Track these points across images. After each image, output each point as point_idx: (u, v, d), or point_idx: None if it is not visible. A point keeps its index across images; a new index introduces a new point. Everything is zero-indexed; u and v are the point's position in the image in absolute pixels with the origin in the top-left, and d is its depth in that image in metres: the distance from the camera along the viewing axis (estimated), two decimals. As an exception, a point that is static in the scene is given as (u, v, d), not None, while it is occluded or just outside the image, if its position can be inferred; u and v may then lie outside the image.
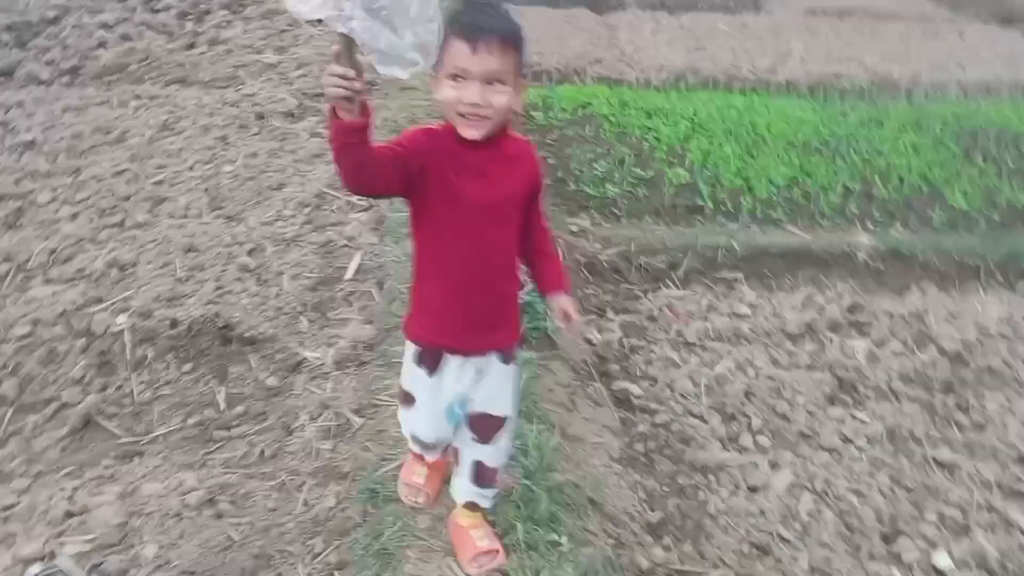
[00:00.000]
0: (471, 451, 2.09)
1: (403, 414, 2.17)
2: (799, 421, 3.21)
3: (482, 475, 2.11)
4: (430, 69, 1.65)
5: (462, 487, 2.14)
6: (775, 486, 2.88)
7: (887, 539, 2.71)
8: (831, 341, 3.70)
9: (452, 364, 1.98)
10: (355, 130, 1.61)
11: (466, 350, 1.96)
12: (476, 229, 1.85)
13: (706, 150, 5.11)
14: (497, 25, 1.71)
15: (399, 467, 2.41)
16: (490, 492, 2.16)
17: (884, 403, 3.33)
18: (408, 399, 2.09)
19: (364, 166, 1.67)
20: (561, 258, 2.13)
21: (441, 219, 1.85)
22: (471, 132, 1.76)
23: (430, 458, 2.28)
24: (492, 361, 2.00)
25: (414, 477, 2.34)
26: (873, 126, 5.65)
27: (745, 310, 3.94)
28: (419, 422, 2.11)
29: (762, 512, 2.78)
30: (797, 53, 7.06)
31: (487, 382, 2.01)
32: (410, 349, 2.03)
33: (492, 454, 2.09)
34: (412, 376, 2.04)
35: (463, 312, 1.92)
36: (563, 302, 2.02)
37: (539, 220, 2.03)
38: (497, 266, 1.93)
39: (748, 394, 3.34)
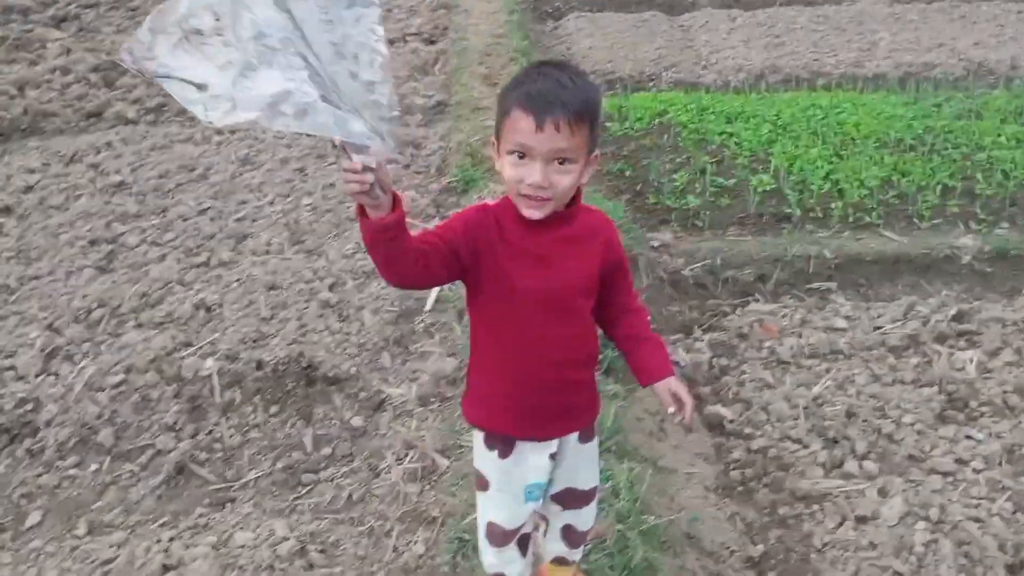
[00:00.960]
0: (559, 518, 1.98)
1: (479, 498, 1.91)
2: (907, 443, 3.04)
3: (572, 538, 2.02)
4: (398, 154, 1.47)
5: (550, 546, 2.06)
6: (885, 515, 2.72)
7: (1012, 570, 2.53)
8: (938, 354, 3.48)
9: (526, 447, 1.79)
10: (384, 227, 1.45)
11: (534, 437, 1.78)
12: (536, 324, 1.68)
13: (791, 154, 4.91)
14: (568, 97, 1.52)
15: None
16: (580, 549, 2.07)
17: (1000, 419, 3.12)
18: (482, 482, 1.87)
19: (401, 261, 1.52)
20: (660, 338, 1.88)
21: (496, 311, 1.69)
22: (532, 213, 1.61)
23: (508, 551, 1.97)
24: (570, 442, 1.84)
25: None
26: (971, 118, 5.34)
27: (841, 323, 3.76)
28: (495, 508, 1.87)
29: (872, 544, 2.63)
30: (884, 44, 6.74)
31: (567, 464, 1.85)
32: (479, 430, 1.85)
33: (583, 520, 1.99)
34: (482, 459, 1.85)
35: (526, 404, 1.74)
36: (673, 387, 1.78)
37: (628, 301, 1.83)
38: (564, 360, 1.73)
39: (850, 415, 3.18)
